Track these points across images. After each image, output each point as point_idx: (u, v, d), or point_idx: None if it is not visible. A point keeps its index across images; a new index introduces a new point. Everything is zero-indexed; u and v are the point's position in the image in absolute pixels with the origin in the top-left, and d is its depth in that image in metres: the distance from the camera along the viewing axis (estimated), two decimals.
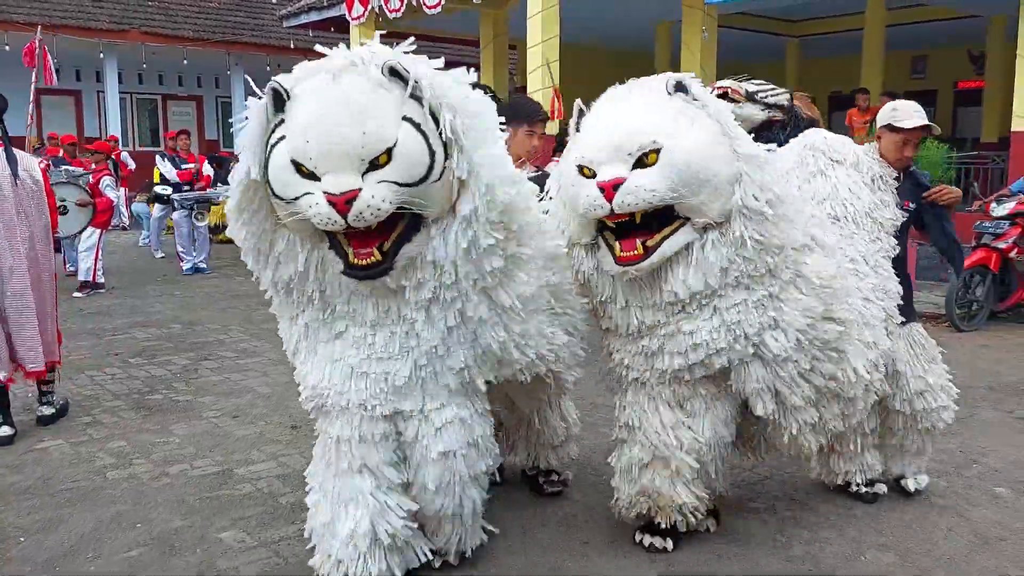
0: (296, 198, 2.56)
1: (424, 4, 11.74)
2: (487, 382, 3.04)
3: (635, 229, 2.94)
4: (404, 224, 2.64)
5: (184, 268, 10.80)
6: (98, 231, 9.37)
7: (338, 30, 16.91)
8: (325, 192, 2.49)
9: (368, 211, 2.49)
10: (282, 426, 4.95)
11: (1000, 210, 7.49)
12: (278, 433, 4.84)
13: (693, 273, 2.96)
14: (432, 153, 2.57)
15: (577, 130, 3.17)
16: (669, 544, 3.36)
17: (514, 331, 2.95)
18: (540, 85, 10.60)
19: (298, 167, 2.54)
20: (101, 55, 18.29)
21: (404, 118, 2.55)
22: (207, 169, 11.11)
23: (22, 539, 3.55)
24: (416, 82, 2.57)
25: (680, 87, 2.98)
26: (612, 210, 2.85)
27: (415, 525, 3.09)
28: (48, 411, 5.00)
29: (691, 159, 2.84)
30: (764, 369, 3.09)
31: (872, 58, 14.40)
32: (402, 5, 12.16)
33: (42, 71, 9.65)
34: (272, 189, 2.63)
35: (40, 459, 4.46)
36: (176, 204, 10.50)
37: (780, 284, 3.02)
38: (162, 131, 21.73)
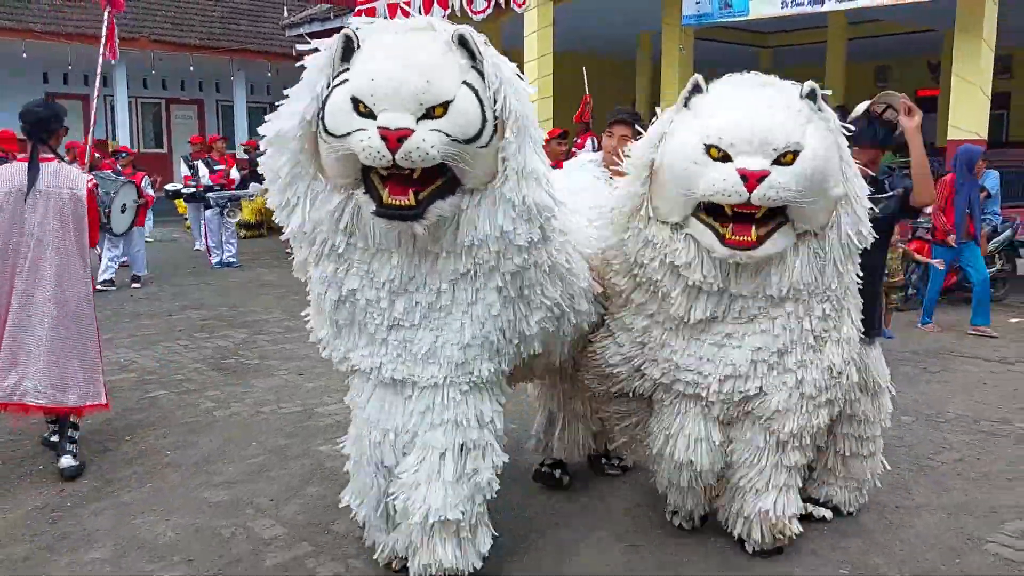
0: (348, 134, 2.63)
1: None
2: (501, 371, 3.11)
3: (742, 219, 3.00)
4: (443, 181, 2.72)
5: (213, 262, 11.82)
6: (136, 228, 10.37)
7: None
8: (380, 127, 2.56)
9: (416, 152, 2.57)
10: (339, 380, 6.09)
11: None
12: (340, 385, 5.98)
13: (787, 273, 3.09)
14: (485, 119, 2.68)
15: (686, 106, 3.18)
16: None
17: (519, 327, 3.02)
18: (537, 95, 11.77)
19: (356, 104, 2.62)
20: (113, 62, 19.23)
21: (465, 83, 2.67)
22: (234, 173, 12.11)
23: (168, 453, 4.69)
24: (481, 55, 2.71)
25: (812, 94, 3.07)
26: (749, 200, 2.89)
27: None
28: (69, 462, 4.32)
29: (821, 167, 2.94)
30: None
31: (835, 68, 15.66)
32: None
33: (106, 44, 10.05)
34: (324, 126, 2.69)
35: (154, 404, 5.58)
36: (211, 202, 11.51)
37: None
38: (165, 134, 22.81)
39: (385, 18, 13.65)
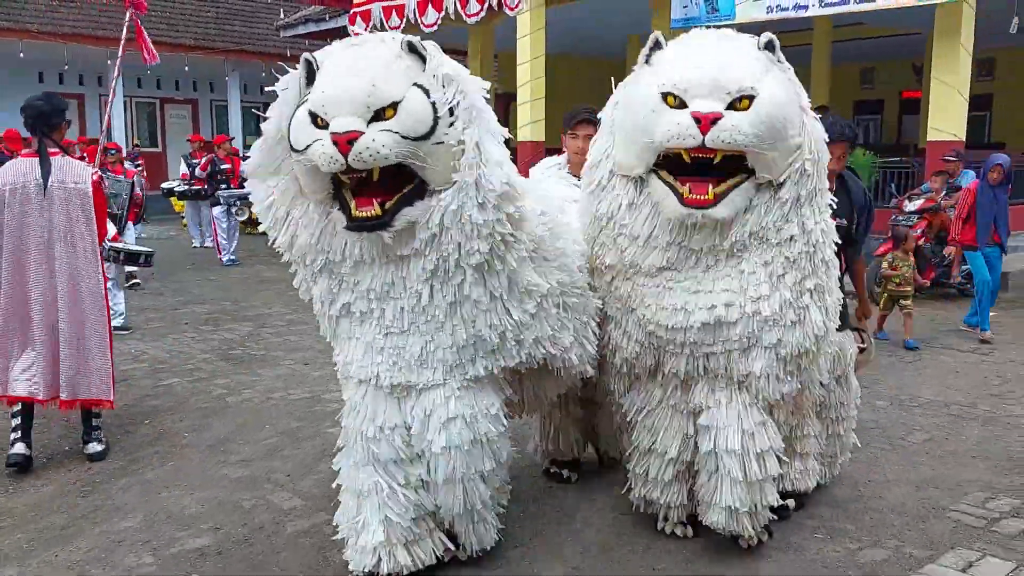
0: (308, 146, 2.74)
1: (422, 23, 13.13)
2: (494, 372, 3.14)
3: (701, 173, 3.03)
4: (409, 188, 2.83)
5: (224, 260, 12.03)
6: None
7: (334, 40, 18.26)
8: (331, 132, 2.68)
9: (367, 152, 2.66)
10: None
11: (911, 206, 9.13)
12: None
13: (741, 226, 3.10)
14: (436, 117, 2.77)
15: (647, 62, 3.23)
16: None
17: (510, 322, 3.03)
18: (529, 96, 12.08)
19: (314, 118, 2.75)
20: (109, 62, 19.43)
21: (415, 84, 2.79)
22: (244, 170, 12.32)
23: (185, 435, 4.97)
24: (431, 56, 2.84)
25: (770, 45, 3.12)
26: (703, 143, 2.90)
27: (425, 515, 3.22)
28: (96, 448, 4.56)
29: (778, 113, 2.96)
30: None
31: (820, 70, 16.00)
32: (402, 22, 13.54)
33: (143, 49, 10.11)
34: (291, 144, 2.84)
35: (168, 391, 5.86)
36: (221, 200, 11.76)
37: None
38: (160, 133, 23.03)
39: (381, 20, 13.94)
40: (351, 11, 14.58)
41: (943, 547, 3.58)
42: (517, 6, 11.72)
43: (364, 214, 2.81)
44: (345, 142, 2.66)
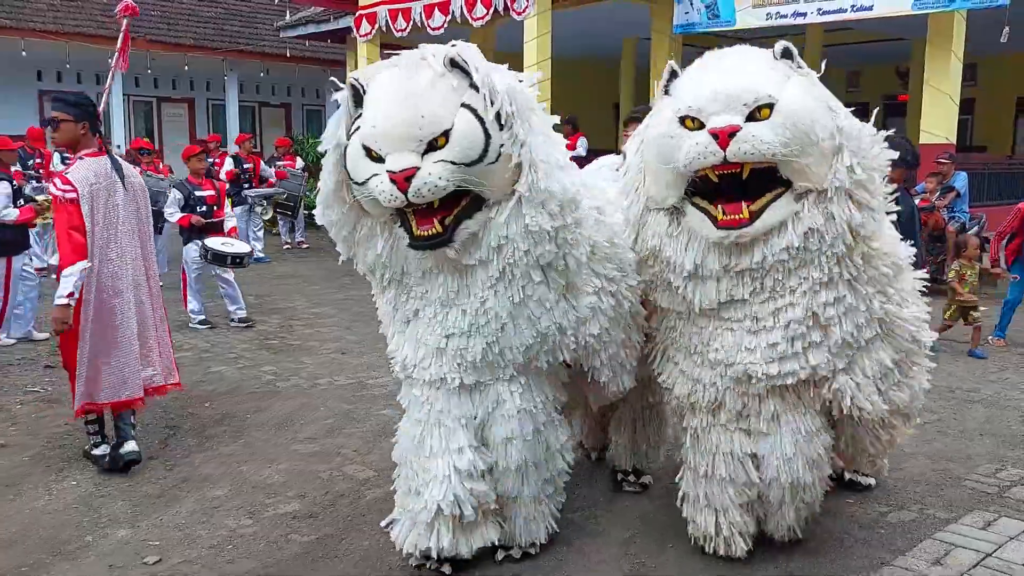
0: (367, 180, 2.83)
1: (429, 26, 13.46)
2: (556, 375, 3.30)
3: (735, 192, 2.98)
4: (466, 202, 2.88)
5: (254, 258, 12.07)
6: None
7: (335, 41, 18.60)
8: (388, 171, 2.75)
9: (425, 187, 2.73)
10: (382, 358, 6.70)
11: None
12: (382, 362, 6.59)
13: (784, 237, 2.99)
14: (488, 136, 2.79)
15: (666, 92, 3.20)
16: None
17: (569, 319, 3.15)
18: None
19: (368, 151, 2.83)
20: (110, 60, 19.60)
21: (463, 104, 2.80)
22: (263, 169, 12.45)
23: (247, 416, 5.29)
24: (476, 69, 2.84)
25: (787, 53, 3.07)
26: (725, 158, 2.85)
27: (489, 505, 3.27)
28: (133, 448, 4.42)
29: (802, 118, 2.88)
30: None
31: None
32: (408, 25, 13.85)
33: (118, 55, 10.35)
34: (349, 175, 2.93)
35: (221, 377, 6.17)
36: (248, 200, 11.84)
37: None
38: (157, 132, 23.16)
39: (387, 21, 14.24)
40: (356, 14, 14.85)
41: (962, 510, 3.97)
42: (525, 10, 12.07)
43: (426, 232, 2.87)
44: (403, 180, 2.73)
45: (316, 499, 4.04)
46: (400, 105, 2.77)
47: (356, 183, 2.89)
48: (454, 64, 2.83)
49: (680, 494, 3.56)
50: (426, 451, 3.22)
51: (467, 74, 2.84)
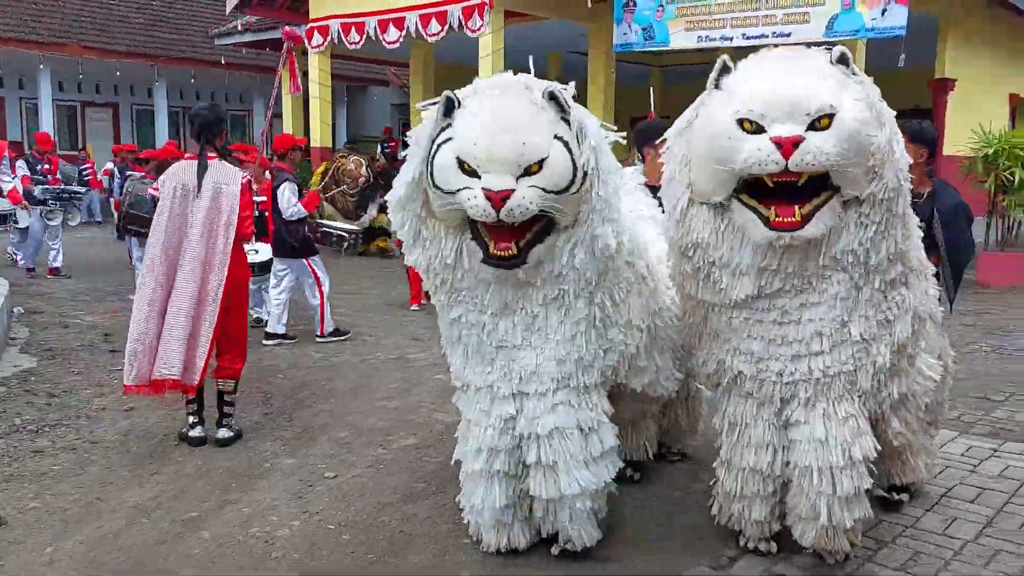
0: (456, 191, 2.98)
1: (384, 40, 14.41)
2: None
3: (786, 195, 2.98)
4: (539, 227, 3.06)
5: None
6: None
7: (274, 48, 19.20)
8: (484, 188, 2.90)
9: (518, 209, 2.90)
10: (404, 337, 7.73)
11: None
12: (409, 342, 7.61)
13: (832, 245, 3.07)
14: (575, 170, 3.01)
15: (717, 87, 3.18)
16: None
17: (612, 341, 3.34)
18: None
19: (461, 164, 2.96)
20: (41, 66, 19.66)
21: (556, 136, 3.00)
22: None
23: (322, 383, 6.23)
24: (570, 108, 3.07)
25: (843, 59, 3.05)
26: (786, 167, 2.87)
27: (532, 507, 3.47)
28: (225, 434, 4.93)
29: (859, 130, 2.92)
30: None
31: None
32: (361, 38, 14.73)
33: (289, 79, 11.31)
34: (433, 181, 3.05)
35: (272, 355, 7.08)
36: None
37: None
38: (81, 137, 23.14)
39: (339, 34, 15.08)
40: (308, 25, 15.63)
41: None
42: (480, 28, 13.16)
43: (504, 253, 3.05)
44: (500, 200, 2.89)
45: (426, 436, 5.06)
46: (505, 131, 2.94)
47: (440, 190, 3.04)
48: (552, 97, 3.06)
49: (713, 482, 3.67)
50: (474, 452, 3.48)
51: (561, 108, 3.07)
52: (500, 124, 2.95)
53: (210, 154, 4.93)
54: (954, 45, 13.42)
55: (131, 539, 3.73)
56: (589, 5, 13.00)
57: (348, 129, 25.20)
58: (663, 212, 3.51)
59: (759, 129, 2.93)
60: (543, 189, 2.94)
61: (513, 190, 2.90)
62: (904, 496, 4.06)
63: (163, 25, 22.14)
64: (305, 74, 15.78)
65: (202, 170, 4.81)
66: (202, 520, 3.92)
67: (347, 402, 5.79)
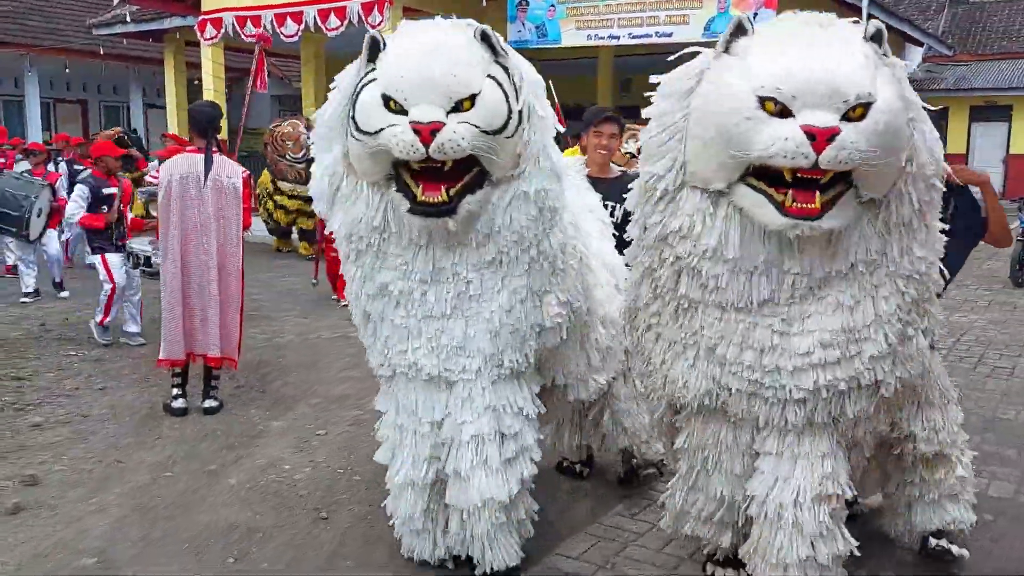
0: (380, 130, 2.75)
1: (282, 34, 14.63)
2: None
3: (801, 186, 2.51)
4: (472, 175, 2.85)
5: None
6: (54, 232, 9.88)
7: (155, 40, 18.97)
8: (412, 121, 2.68)
9: (449, 144, 2.68)
10: (324, 315, 8.23)
11: None
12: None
13: (847, 246, 2.65)
14: (510, 111, 2.82)
15: (727, 51, 2.66)
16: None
17: (542, 316, 3.11)
18: None
19: (387, 101, 2.76)
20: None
21: (489, 75, 2.81)
22: None
23: (287, 355, 6.70)
24: (504, 50, 2.88)
25: (878, 36, 2.60)
26: (816, 164, 2.40)
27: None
28: (212, 404, 5.36)
29: (894, 121, 2.51)
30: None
31: (604, 76, 19.17)
32: (258, 30, 14.84)
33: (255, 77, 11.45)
34: (356, 125, 2.83)
35: (281, 332, 7.38)
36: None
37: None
38: None
39: (234, 27, 15.17)
40: (200, 18, 15.62)
41: None
42: (380, 24, 13.60)
43: (431, 199, 2.83)
44: (429, 132, 2.67)
45: None
46: (434, 57, 2.76)
47: (364, 132, 2.81)
48: (484, 38, 2.88)
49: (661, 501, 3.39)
50: (398, 457, 3.34)
51: (493, 51, 2.89)
52: (430, 53, 2.79)
53: (213, 148, 5.23)
54: None
55: (164, 489, 4.20)
56: (484, 4, 13.64)
57: (229, 121, 24.89)
58: (606, 210, 3.65)
59: (784, 111, 2.46)
60: (477, 127, 2.76)
61: (443, 123, 2.70)
62: (945, 544, 3.38)
63: (34, 14, 21.39)
64: (198, 66, 15.80)
65: (208, 163, 5.16)
66: (223, 471, 4.42)
67: (308, 375, 6.30)
